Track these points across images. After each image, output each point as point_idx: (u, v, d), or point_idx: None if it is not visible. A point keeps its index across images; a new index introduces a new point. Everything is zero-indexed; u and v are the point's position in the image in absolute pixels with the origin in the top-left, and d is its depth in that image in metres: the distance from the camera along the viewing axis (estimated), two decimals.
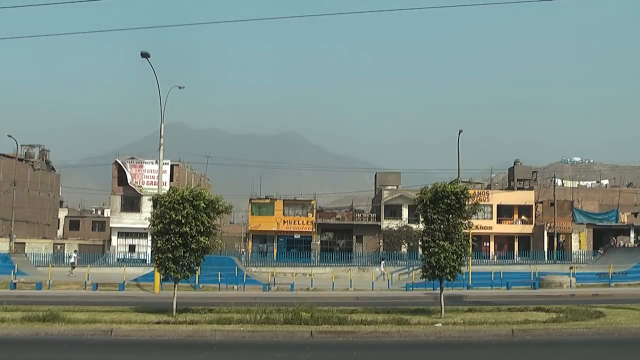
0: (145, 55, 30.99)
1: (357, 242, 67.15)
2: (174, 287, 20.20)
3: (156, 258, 19.86)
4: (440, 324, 17.07)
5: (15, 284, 34.41)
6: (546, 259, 59.90)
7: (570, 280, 36.53)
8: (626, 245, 59.63)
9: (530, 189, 70.23)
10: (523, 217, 67.39)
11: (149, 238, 32.57)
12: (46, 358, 13.74)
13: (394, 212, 67.19)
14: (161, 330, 16.25)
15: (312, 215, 66.61)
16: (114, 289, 34.06)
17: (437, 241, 19.24)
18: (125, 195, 65.25)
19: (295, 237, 66.73)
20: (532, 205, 67.46)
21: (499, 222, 66.70)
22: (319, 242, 66.82)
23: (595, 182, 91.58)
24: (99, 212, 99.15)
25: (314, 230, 66.32)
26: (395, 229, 64.33)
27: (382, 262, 53.05)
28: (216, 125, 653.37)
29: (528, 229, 66.59)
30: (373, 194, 79.39)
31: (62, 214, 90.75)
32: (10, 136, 66.82)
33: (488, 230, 65.01)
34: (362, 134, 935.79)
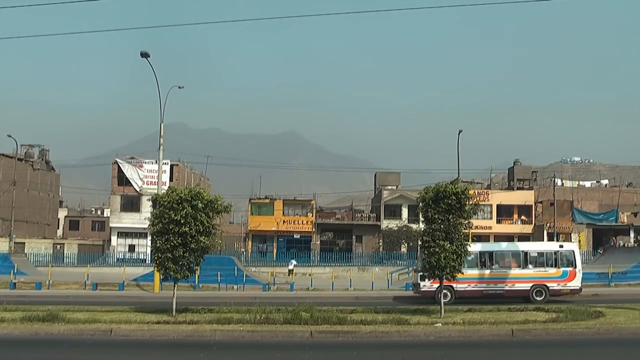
0: (145, 55, 31.01)
1: (356, 242, 67.10)
2: (174, 287, 20.21)
3: (156, 258, 19.86)
4: (440, 324, 17.10)
5: (15, 283, 34.46)
6: None
7: None
8: (626, 245, 59.52)
9: (530, 189, 70.17)
10: (523, 217, 67.34)
11: (149, 238, 32.54)
12: (46, 358, 13.74)
13: (393, 212, 67.15)
14: (161, 330, 16.25)
15: (312, 215, 66.58)
16: (113, 288, 34.10)
17: (437, 241, 19.27)
18: (125, 195, 65.26)
19: (295, 237, 66.67)
20: (531, 205, 67.41)
21: (498, 222, 66.65)
22: (318, 242, 66.76)
23: (595, 182, 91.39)
24: (99, 212, 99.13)
25: (314, 230, 66.28)
26: (395, 229, 64.29)
27: None
28: (216, 125, 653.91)
29: (528, 229, 66.54)
30: (373, 194, 79.35)
31: (62, 213, 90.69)
32: (10, 136, 66.82)
33: (488, 230, 64.92)
34: (362, 134, 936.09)
